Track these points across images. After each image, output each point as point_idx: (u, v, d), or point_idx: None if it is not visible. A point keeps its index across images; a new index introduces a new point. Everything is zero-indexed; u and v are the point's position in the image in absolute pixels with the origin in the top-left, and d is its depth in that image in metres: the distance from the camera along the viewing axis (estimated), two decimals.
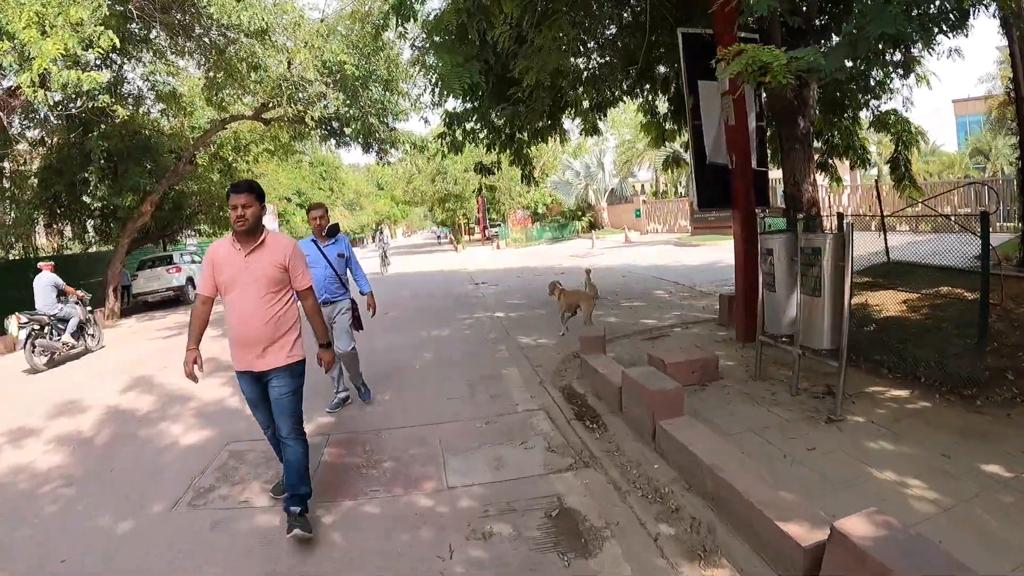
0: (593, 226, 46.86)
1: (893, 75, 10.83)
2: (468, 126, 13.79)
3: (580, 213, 47.41)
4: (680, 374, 6.52)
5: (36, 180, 19.49)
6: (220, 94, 19.50)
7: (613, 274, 19.01)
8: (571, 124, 16.69)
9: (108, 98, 14.94)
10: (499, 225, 57.71)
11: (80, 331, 12.58)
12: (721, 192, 8.80)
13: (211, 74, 18.23)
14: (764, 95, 9.70)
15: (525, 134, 13.99)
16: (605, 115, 14.55)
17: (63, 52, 12.58)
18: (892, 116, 11.33)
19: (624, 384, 5.71)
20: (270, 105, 20.30)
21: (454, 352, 9.51)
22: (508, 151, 14.38)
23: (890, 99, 11.60)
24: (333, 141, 22.75)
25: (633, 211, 43.66)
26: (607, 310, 12.35)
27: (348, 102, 19.23)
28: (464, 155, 43.72)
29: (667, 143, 15.21)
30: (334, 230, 6.85)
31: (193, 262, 25.62)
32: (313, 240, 6.68)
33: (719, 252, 23.72)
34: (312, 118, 18.42)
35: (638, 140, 48.24)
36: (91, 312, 13.61)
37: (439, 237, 55.07)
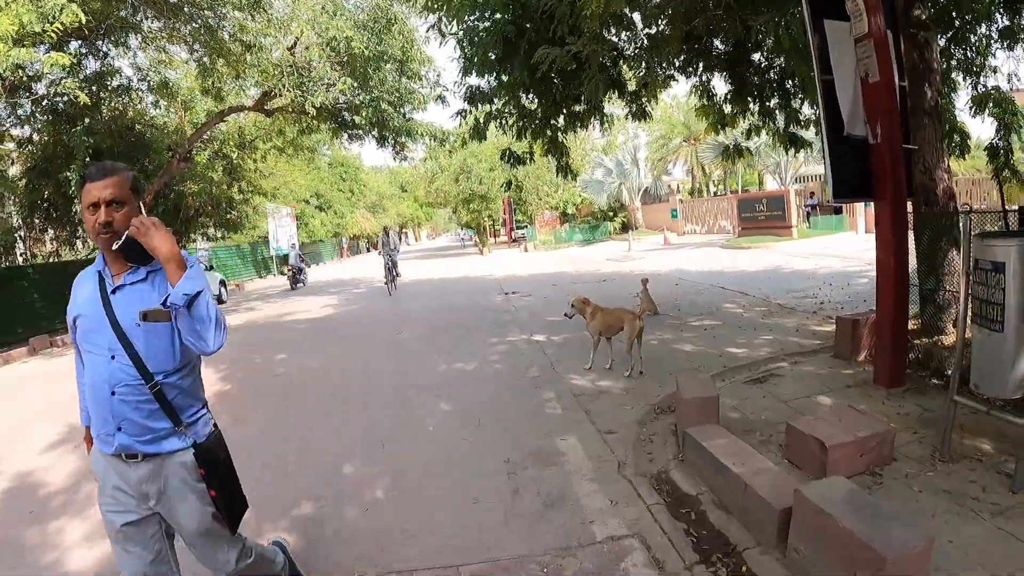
0: (626, 227, 44.32)
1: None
2: (494, 107, 11.38)
3: (612, 214, 44.84)
4: (844, 461, 4.08)
5: (23, 183, 17.37)
6: (215, 81, 17.28)
7: (664, 281, 16.44)
8: (613, 109, 14.41)
9: (73, 83, 12.88)
10: (525, 227, 55.36)
11: None
12: (860, 176, 6.16)
13: (203, 58, 16.05)
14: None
15: (560, 119, 11.73)
16: (655, 98, 12.04)
17: (19, 29, 10.87)
18: (994, 94, 8.74)
19: (802, 514, 3.17)
20: (272, 94, 18.01)
21: (483, 401, 6.93)
22: (541, 139, 11.93)
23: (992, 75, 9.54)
24: (345, 136, 20.44)
25: (669, 211, 41.03)
26: (674, 331, 9.86)
27: (357, 87, 16.91)
28: (489, 152, 41.54)
29: (725, 128, 12.64)
30: (133, 247, 2.38)
31: (208, 267, 23.50)
32: (99, 271, 2.54)
33: (774, 255, 21.37)
34: (313, 105, 16.12)
35: (674, 133, 45.84)
36: None
37: (464, 240, 52.62)
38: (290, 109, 19.20)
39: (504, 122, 11.94)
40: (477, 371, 8.37)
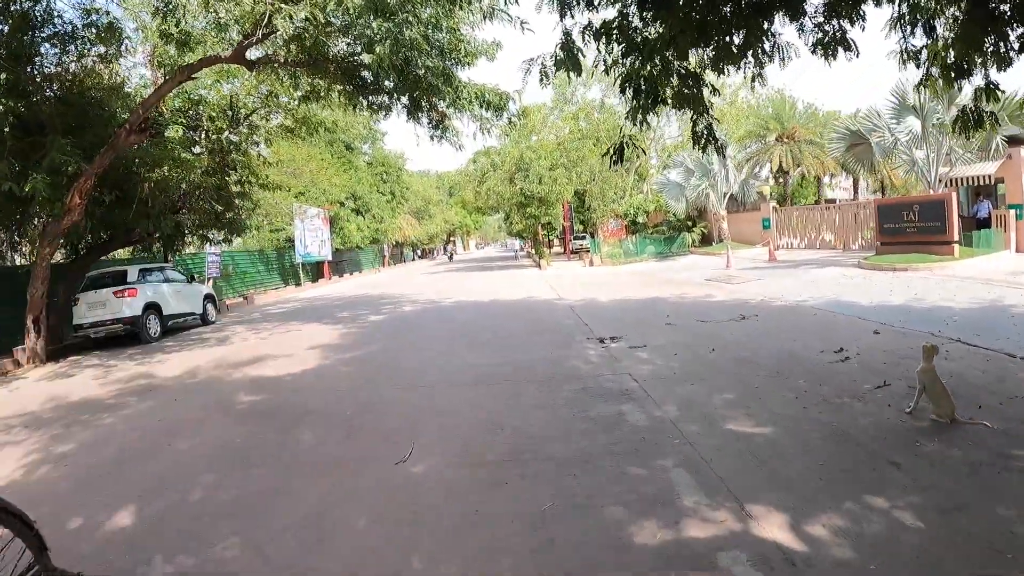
0: (706, 239, 37.89)
1: None
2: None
3: (690, 223, 38.43)
4: None
5: None
6: (179, 20, 11.64)
7: (839, 325, 10.64)
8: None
9: None
10: (584, 237, 49.37)
11: None
12: None
13: None
14: None
15: (700, 50, 7.25)
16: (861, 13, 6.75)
17: None
18: None
19: None
20: (254, 37, 12.37)
21: None
22: (668, 84, 7.25)
23: None
24: (364, 102, 14.71)
25: (760, 220, 34.51)
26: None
27: (375, 28, 11.16)
28: (550, 148, 35.60)
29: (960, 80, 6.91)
30: None
31: (191, 279, 18.28)
32: None
33: (957, 284, 15.22)
34: (300, 47, 10.45)
35: (765, 129, 39.44)
36: None
37: (516, 251, 46.77)
38: (282, 60, 13.55)
39: (612, 47, 7.23)
40: None
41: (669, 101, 7.47)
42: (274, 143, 31.24)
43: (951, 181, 22.66)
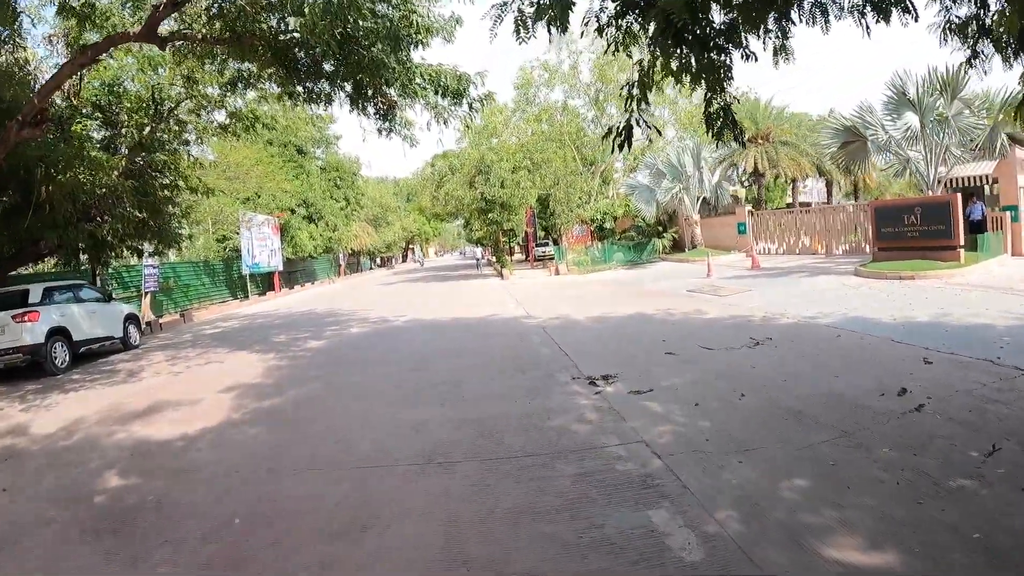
0: (677, 245, 35.97)
1: None
2: None
3: (661, 228, 36.50)
4: None
5: None
6: None
7: (856, 346, 9.13)
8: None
9: None
10: (547, 243, 47.32)
11: None
12: None
13: None
14: None
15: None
16: None
17: None
18: None
19: None
20: (166, 5, 10.09)
21: None
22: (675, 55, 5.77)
23: None
24: (300, 89, 12.41)
25: (735, 225, 32.73)
26: None
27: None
28: (513, 150, 33.44)
29: None
30: None
31: (109, 298, 15.93)
32: None
33: (975, 296, 13.58)
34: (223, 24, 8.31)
35: (741, 127, 37.57)
36: None
37: (478, 259, 44.45)
38: (201, 36, 11.22)
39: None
40: None
41: (680, 75, 5.94)
42: (215, 145, 28.86)
43: (947, 183, 21.02)
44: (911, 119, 18.93)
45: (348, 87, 12.02)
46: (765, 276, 20.82)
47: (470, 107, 12.04)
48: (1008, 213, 21.02)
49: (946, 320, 10.86)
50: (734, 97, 6.59)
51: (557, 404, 7.15)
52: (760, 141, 36.14)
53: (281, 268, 35.99)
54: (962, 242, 18.07)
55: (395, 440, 6.36)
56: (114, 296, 17.42)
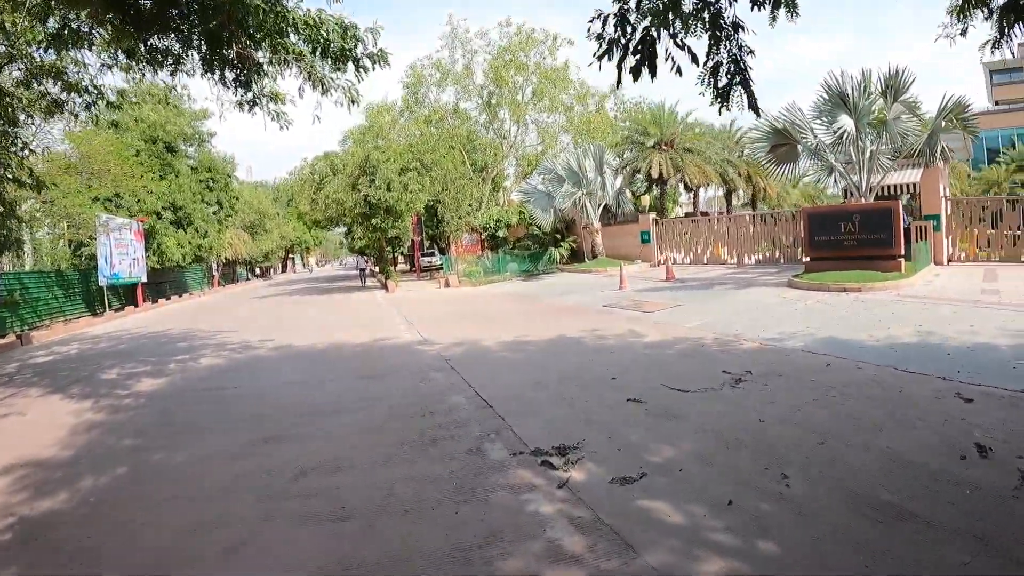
0: (575, 254, 33.88)
1: None
2: None
3: (558, 236, 34.33)
4: None
5: None
6: None
7: (858, 380, 7.23)
8: None
9: None
10: (433, 253, 44.51)
11: None
12: None
13: None
14: None
15: None
16: None
17: None
18: None
19: None
20: None
21: None
22: None
23: None
24: (142, 47, 9.20)
25: (638, 234, 30.96)
26: None
27: None
28: (401, 149, 30.53)
29: None
30: None
31: None
32: None
33: (948, 310, 12.40)
34: None
35: (647, 131, 36.30)
36: None
37: (363, 269, 40.94)
38: None
39: None
40: None
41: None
42: (68, 134, 24.63)
43: (877, 191, 19.73)
44: (846, 122, 17.32)
45: (201, 42, 8.92)
46: (685, 289, 18.78)
47: (357, 66, 9.12)
48: (931, 222, 20.11)
49: (934, 340, 9.12)
50: (748, 49, 5.17)
51: (503, 519, 4.28)
52: (664, 147, 34.59)
53: (145, 279, 31.65)
54: (902, 251, 16.68)
55: None
56: None
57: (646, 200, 32.43)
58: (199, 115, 40.43)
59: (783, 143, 18.79)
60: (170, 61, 9.43)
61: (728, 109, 5.35)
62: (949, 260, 20.68)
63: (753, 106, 5.38)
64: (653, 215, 31.89)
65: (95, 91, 13.22)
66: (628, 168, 33.82)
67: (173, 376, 10.81)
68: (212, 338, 15.76)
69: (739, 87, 5.28)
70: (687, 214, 40.87)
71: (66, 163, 26.56)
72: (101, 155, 28.33)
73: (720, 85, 5.33)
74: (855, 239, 17.07)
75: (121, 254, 28.70)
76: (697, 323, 12.43)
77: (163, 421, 7.83)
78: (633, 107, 42.58)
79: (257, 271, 74.41)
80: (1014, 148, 40.83)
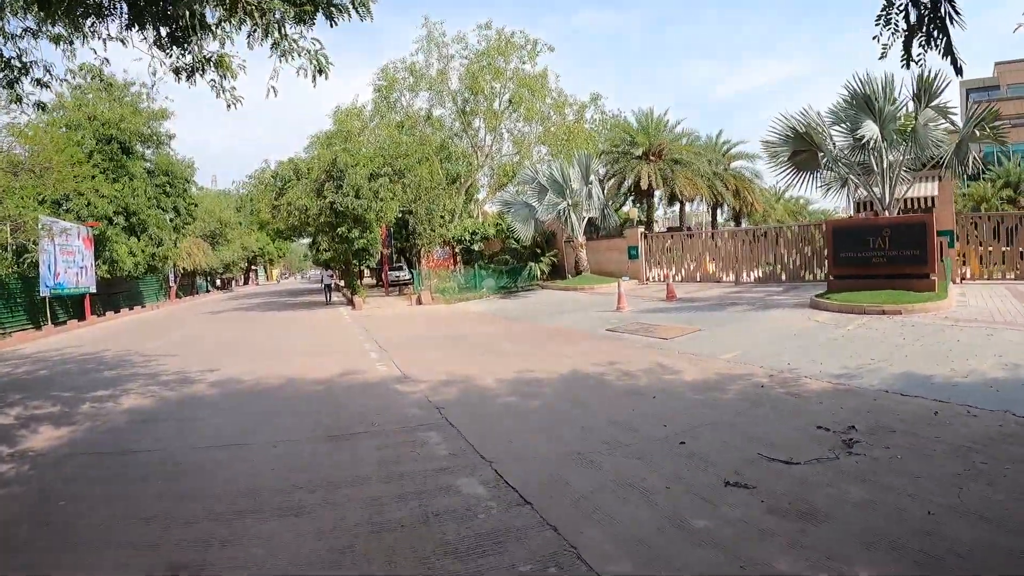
0: (556, 270, 31.70)
1: None
2: None
3: (539, 251, 32.14)
4: None
5: None
6: None
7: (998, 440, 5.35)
8: None
9: None
10: (402, 267, 42.12)
11: None
12: None
13: None
14: None
15: None
16: None
17: None
18: None
19: None
20: None
21: None
22: None
23: None
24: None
25: (625, 249, 28.91)
26: None
27: None
28: (372, 152, 28.17)
29: None
30: None
31: None
32: None
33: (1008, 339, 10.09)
34: None
35: (634, 140, 34.42)
36: None
37: (328, 284, 38.29)
38: None
39: None
40: None
41: None
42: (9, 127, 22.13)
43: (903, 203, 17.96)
44: (870, 128, 15.39)
45: None
46: (693, 310, 16.71)
47: (328, 16, 6.84)
48: (945, 239, 18.46)
49: None
50: None
51: None
52: (652, 157, 32.67)
53: (95, 289, 29.15)
54: (936, 269, 14.81)
55: None
56: None
57: (633, 213, 30.48)
58: (158, 115, 37.59)
59: (803, 149, 16.84)
60: (90, 8, 7.10)
61: (915, 62, 3.65)
62: (962, 279, 19.23)
63: (955, 63, 4.08)
64: (642, 229, 29.87)
65: (19, 65, 10.73)
66: (613, 179, 31.80)
67: (78, 426, 8.23)
68: (147, 365, 13.24)
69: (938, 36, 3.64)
70: (669, 229, 39.02)
71: (8, 157, 23.83)
72: (46, 151, 25.61)
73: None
74: (885, 256, 15.19)
75: (67, 262, 26.31)
76: (733, 354, 10.34)
77: (29, 515, 5.15)
78: (612, 118, 40.77)
79: (218, 283, 71.50)
80: (1000, 165, 39.87)
